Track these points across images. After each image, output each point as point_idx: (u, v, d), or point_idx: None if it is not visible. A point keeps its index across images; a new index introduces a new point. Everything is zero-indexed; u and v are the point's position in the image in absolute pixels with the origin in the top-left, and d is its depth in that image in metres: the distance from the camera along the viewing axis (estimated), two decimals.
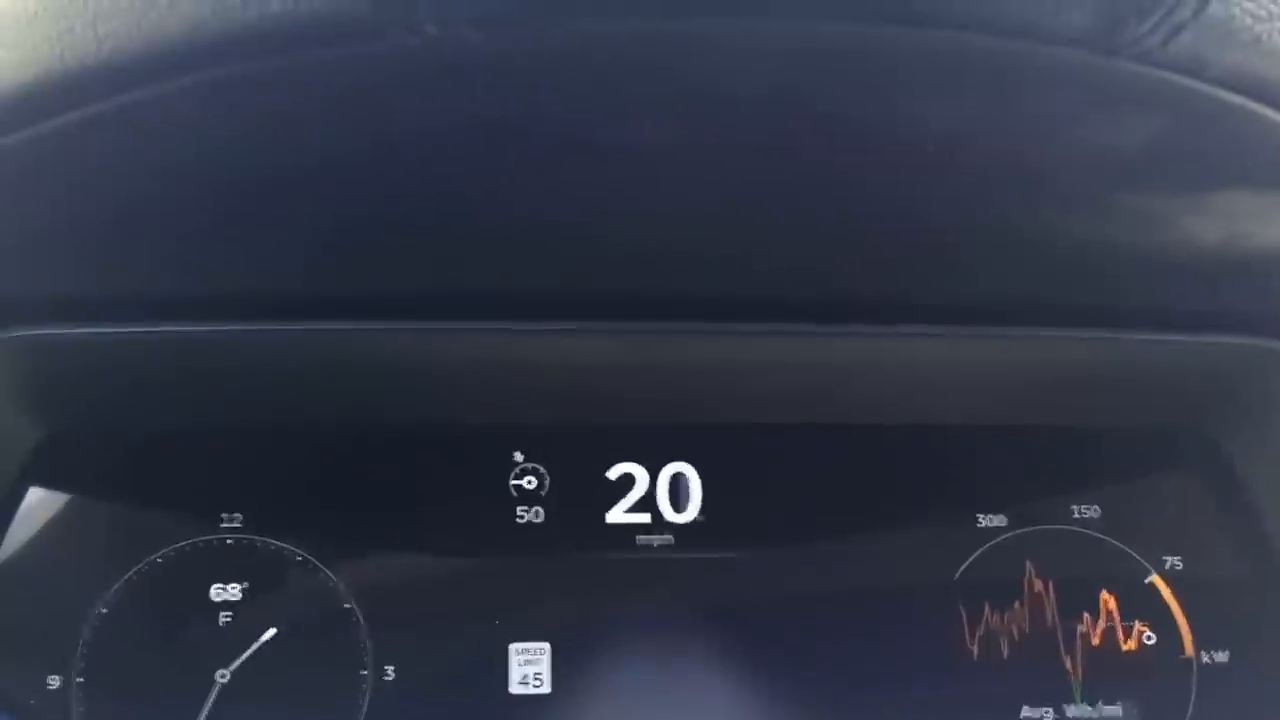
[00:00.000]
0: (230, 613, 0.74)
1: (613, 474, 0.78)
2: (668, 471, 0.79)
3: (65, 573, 0.74)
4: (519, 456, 0.78)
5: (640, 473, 0.78)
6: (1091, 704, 0.77)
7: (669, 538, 0.78)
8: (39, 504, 0.74)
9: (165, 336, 0.70)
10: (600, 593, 0.76)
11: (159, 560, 0.74)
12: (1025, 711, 0.77)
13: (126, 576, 0.74)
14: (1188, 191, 0.63)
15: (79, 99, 0.48)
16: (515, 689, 0.75)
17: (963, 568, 0.79)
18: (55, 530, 0.74)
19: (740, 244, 0.67)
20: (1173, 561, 0.80)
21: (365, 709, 0.73)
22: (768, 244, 0.67)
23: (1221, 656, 0.78)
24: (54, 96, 0.48)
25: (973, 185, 0.62)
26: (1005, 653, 0.77)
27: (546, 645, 0.75)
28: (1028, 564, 0.79)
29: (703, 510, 0.78)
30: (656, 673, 0.76)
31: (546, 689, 0.75)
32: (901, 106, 0.53)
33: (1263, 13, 0.46)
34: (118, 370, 0.72)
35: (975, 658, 0.77)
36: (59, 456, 0.75)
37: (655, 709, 0.75)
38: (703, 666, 0.76)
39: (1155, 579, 0.79)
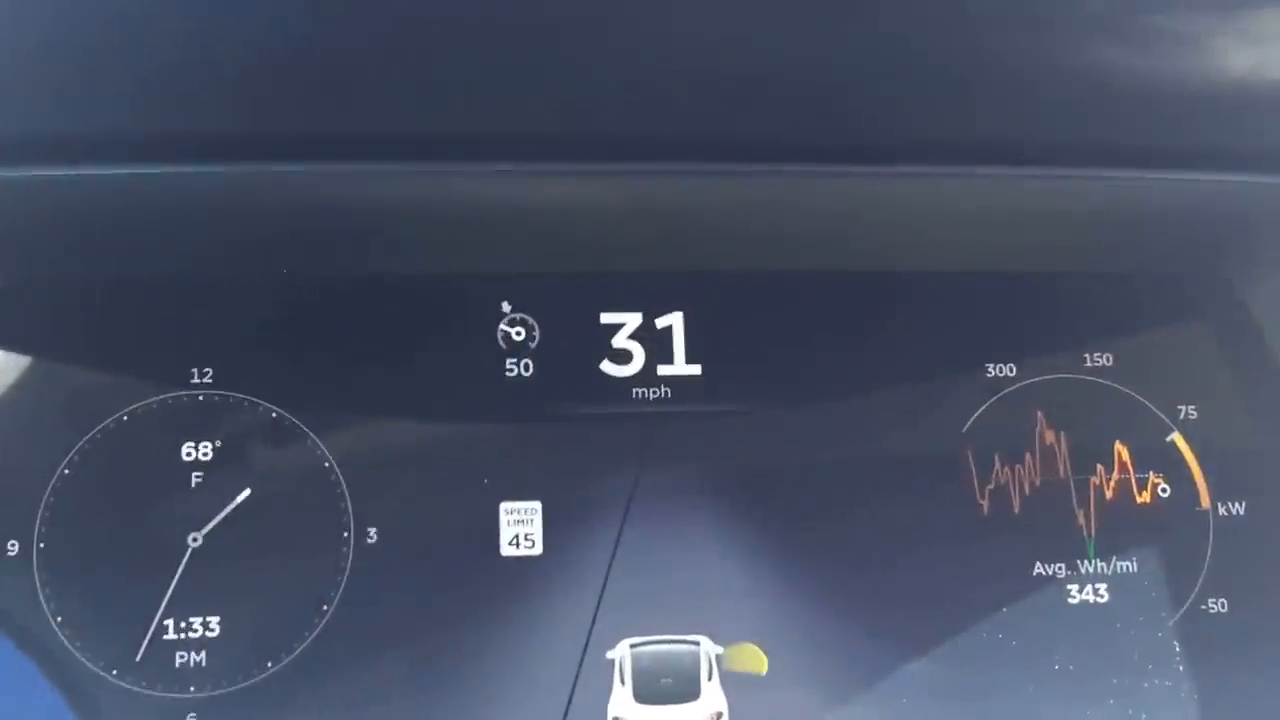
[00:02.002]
0: (202, 473, 0.70)
1: (606, 324, 0.75)
2: (663, 322, 0.75)
3: (24, 432, 0.70)
4: (507, 306, 0.75)
5: (635, 323, 0.75)
6: (1105, 560, 0.75)
7: (665, 391, 0.75)
8: None
9: (130, 178, 0.66)
10: (593, 449, 0.73)
11: (125, 418, 0.70)
12: (1037, 569, 0.74)
13: (91, 435, 0.70)
14: (1218, 10, 0.60)
15: None
16: (506, 550, 0.71)
17: (972, 419, 0.76)
18: (14, 386, 0.70)
19: (739, 82, 0.63)
20: (1188, 411, 0.77)
21: (347, 574, 0.70)
22: (767, 81, 0.64)
23: (1239, 508, 0.76)
24: None
25: (992, 9, 0.59)
26: (1016, 508, 0.75)
27: (538, 504, 0.72)
28: (1039, 414, 0.77)
29: (700, 362, 0.75)
30: (652, 532, 0.72)
31: (538, 550, 0.71)
32: None
33: None
34: (82, 215, 0.68)
35: (985, 513, 0.75)
36: (16, 307, 0.71)
37: (651, 569, 0.72)
38: (700, 525, 0.73)
39: (1171, 429, 0.77)
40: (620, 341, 0.75)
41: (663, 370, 0.75)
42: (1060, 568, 0.75)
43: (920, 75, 0.64)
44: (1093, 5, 0.60)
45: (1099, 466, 0.76)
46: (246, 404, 0.72)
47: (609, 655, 0.71)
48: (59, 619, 0.68)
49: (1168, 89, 0.65)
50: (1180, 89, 0.65)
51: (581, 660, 0.71)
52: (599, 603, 0.72)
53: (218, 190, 0.67)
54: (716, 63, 0.62)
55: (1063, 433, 0.76)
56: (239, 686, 0.69)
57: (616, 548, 0.72)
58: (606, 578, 0.72)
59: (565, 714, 0.70)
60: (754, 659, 0.72)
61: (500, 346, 0.74)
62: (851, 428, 0.75)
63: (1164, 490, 0.76)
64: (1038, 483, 0.76)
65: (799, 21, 0.59)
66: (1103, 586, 0.75)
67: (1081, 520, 0.75)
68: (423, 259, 0.74)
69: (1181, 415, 0.77)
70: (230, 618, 0.69)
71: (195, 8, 0.55)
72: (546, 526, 0.72)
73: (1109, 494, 0.76)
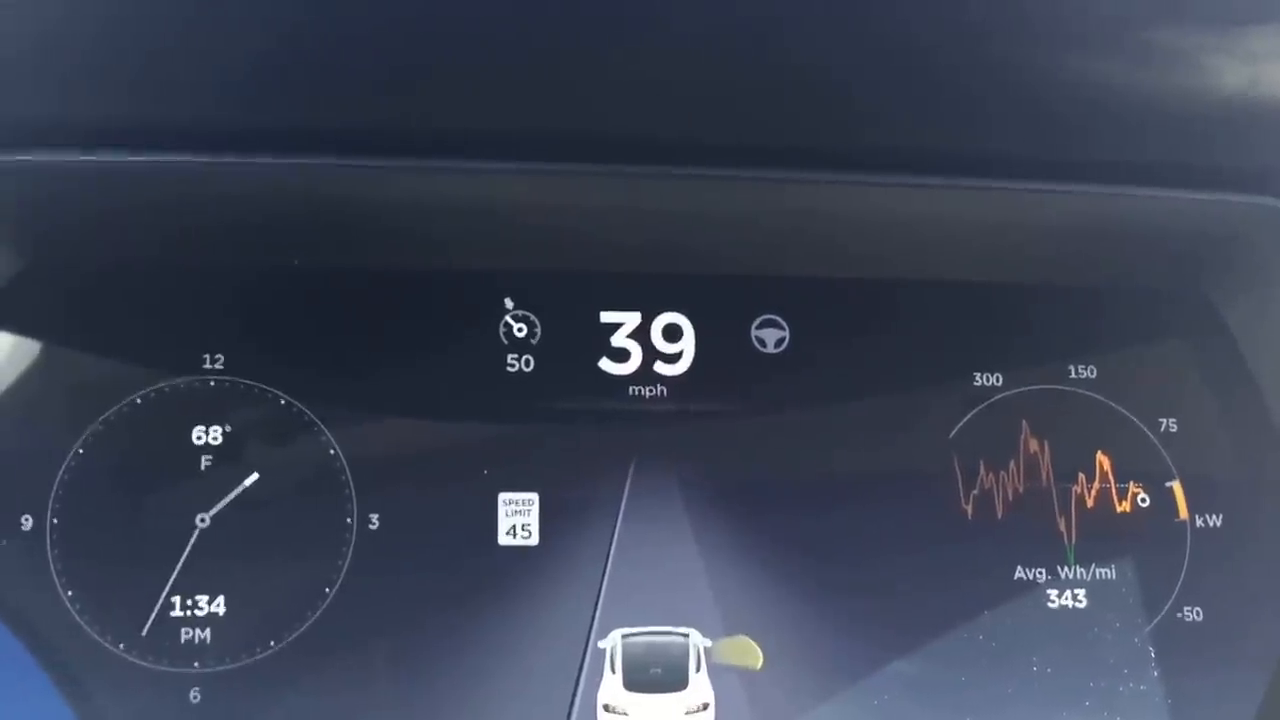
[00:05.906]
0: (212, 456, 0.72)
1: (605, 322, 0.77)
2: (661, 321, 0.77)
3: (40, 411, 0.72)
4: (510, 303, 0.76)
5: (634, 322, 0.77)
6: (1085, 566, 0.77)
7: (661, 389, 0.77)
8: (12, 340, 0.72)
9: (148, 166, 0.68)
10: (590, 444, 0.75)
11: (138, 401, 0.72)
12: (1019, 573, 0.76)
13: (105, 417, 0.72)
14: (1213, 28, 0.62)
15: None
16: (503, 540, 0.73)
17: (958, 427, 0.78)
18: (30, 367, 0.72)
19: (738, 88, 0.65)
20: (1168, 424, 0.79)
21: (349, 558, 0.72)
22: (765, 88, 0.66)
23: (1216, 520, 0.78)
24: None
25: (980, 20, 0.61)
26: (999, 513, 0.77)
27: (535, 496, 0.74)
28: (1023, 423, 0.78)
29: (696, 363, 0.77)
30: (645, 526, 0.74)
31: (534, 540, 0.73)
32: None
33: None
34: (100, 201, 0.70)
35: (969, 518, 0.77)
36: (35, 292, 0.72)
37: (644, 562, 0.74)
38: (692, 521, 0.75)
39: (1151, 441, 0.79)
40: (619, 340, 0.77)
41: (659, 369, 0.77)
42: (1041, 572, 0.76)
43: (916, 86, 0.65)
44: (1088, 20, 0.61)
45: (1081, 475, 0.78)
46: (256, 391, 0.73)
47: (601, 644, 0.73)
48: (69, 593, 0.69)
49: (1164, 105, 0.67)
50: (1176, 105, 0.67)
51: (585, 650, 0.72)
52: (600, 595, 0.73)
53: (233, 181, 0.69)
54: (719, 68, 0.64)
55: (1046, 441, 0.78)
56: (242, 664, 0.70)
57: (613, 541, 0.74)
58: (605, 570, 0.74)
59: (572, 702, 0.72)
60: (749, 653, 0.74)
61: (502, 342, 0.76)
62: (842, 431, 0.77)
63: (1143, 500, 0.78)
64: (1021, 489, 0.77)
65: (797, 27, 0.61)
66: (1081, 592, 0.76)
67: (1062, 527, 0.77)
68: (430, 254, 0.75)
69: (1162, 428, 0.79)
70: (235, 597, 0.71)
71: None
72: (543, 518, 0.74)
73: (1089, 502, 0.78)
